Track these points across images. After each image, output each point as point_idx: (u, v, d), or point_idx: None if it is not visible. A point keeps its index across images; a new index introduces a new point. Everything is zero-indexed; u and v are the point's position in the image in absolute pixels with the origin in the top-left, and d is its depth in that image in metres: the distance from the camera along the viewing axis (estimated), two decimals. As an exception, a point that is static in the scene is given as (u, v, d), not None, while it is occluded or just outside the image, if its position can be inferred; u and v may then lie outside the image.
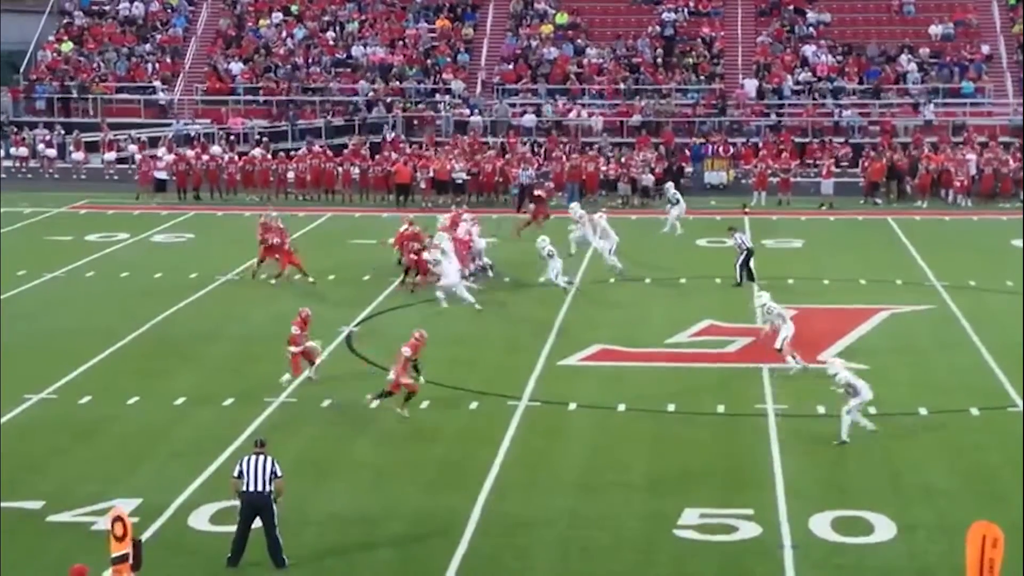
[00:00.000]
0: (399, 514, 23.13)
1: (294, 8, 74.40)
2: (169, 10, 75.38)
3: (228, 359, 32.74)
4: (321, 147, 59.91)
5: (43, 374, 30.69)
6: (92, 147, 64.33)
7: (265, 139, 62.12)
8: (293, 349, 29.84)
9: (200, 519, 22.74)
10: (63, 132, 65.31)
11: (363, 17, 73.65)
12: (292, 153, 59.35)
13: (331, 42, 72.17)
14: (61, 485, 24.29)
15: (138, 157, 60.20)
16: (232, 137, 63.24)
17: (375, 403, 28.11)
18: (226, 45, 72.66)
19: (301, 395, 29.46)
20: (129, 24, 74.77)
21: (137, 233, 48.47)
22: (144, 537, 21.03)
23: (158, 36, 73.72)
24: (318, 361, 30.49)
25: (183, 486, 24.02)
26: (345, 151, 59.21)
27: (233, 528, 21.40)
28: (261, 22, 73.74)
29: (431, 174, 55.82)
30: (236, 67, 70.63)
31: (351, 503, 23.68)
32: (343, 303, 37.55)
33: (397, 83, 68.50)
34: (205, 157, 58.22)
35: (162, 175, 57.67)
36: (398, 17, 73.56)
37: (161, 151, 59.97)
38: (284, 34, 72.80)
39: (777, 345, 31.39)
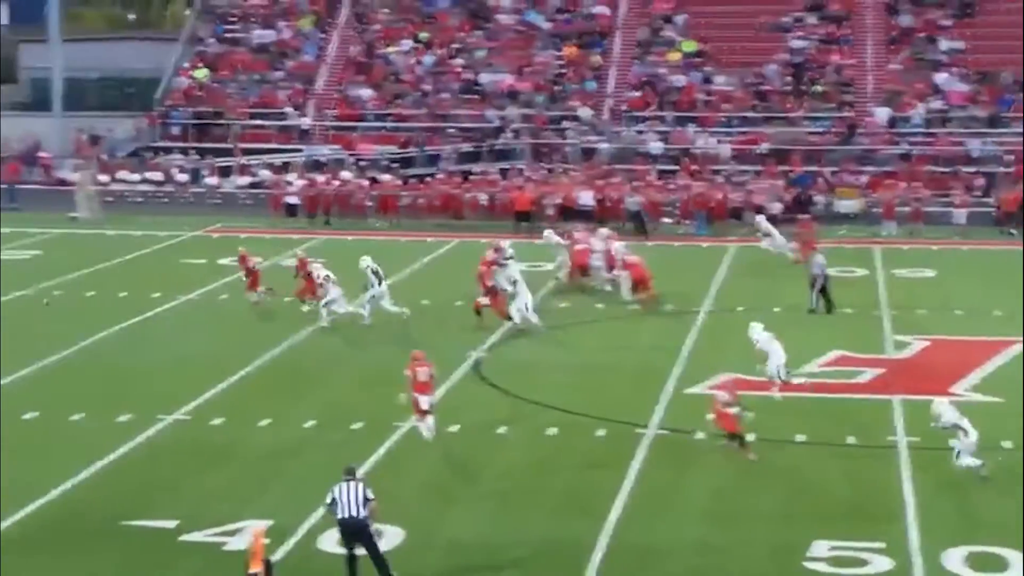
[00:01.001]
0: (525, 541, 23.13)
1: (423, 35, 74.93)
2: (301, 37, 76.25)
3: (357, 383, 32.96)
4: (449, 173, 60.33)
5: (177, 395, 31.10)
6: (225, 172, 65.34)
7: (394, 165, 62.62)
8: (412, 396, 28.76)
9: (329, 542, 22.84)
10: (197, 157, 66.36)
11: (492, 44, 74.01)
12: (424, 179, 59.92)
13: (459, 69, 72.60)
14: (194, 505, 24.59)
15: (271, 182, 60.98)
16: (362, 163, 63.80)
17: (750, 455, 27.14)
18: (356, 72, 73.36)
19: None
20: (262, 51, 75.72)
21: (269, 257, 48.96)
22: (274, 558, 21.26)
23: (290, 63, 74.59)
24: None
25: (313, 508, 24.17)
26: (473, 177, 59.58)
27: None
28: (391, 49, 74.34)
29: (558, 201, 55.97)
30: (366, 93, 71.29)
31: (477, 529, 23.73)
32: (471, 328, 37.68)
33: (525, 110, 68.71)
34: (335, 182, 58.82)
35: (293, 200, 58.33)
36: (526, 44, 73.85)
37: (292, 176, 60.66)
38: (413, 61, 73.34)
39: (769, 372, 31.44)
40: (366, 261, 38.94)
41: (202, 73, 73.96)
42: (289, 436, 28.60)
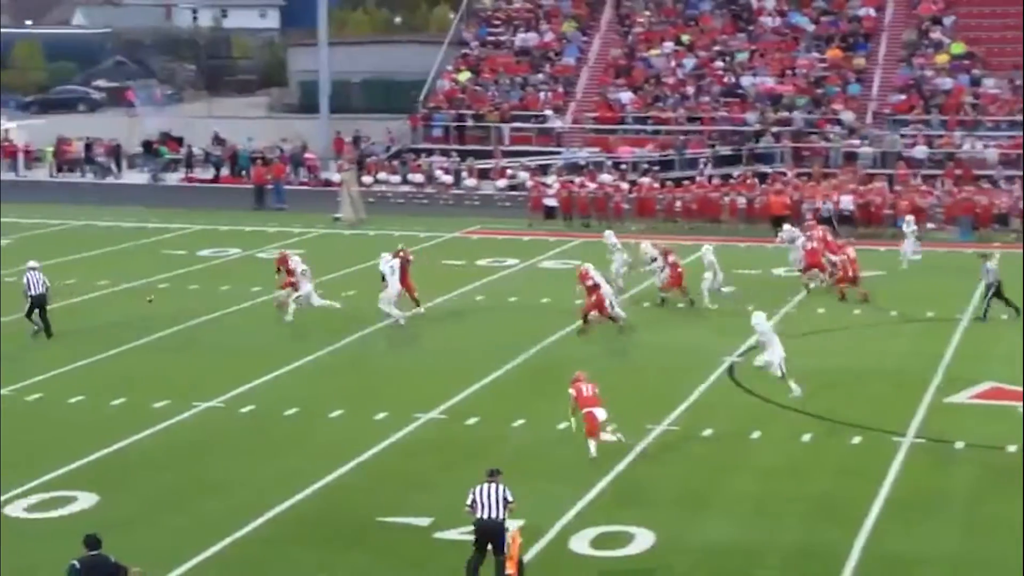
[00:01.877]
0: (778, 547, 22.95)
1: (685, 38, 74.76)
2: (563, 40, 76.71)
3: (611, 384, 32.81)
4: (708, 177, 60.12)
5: (433, 394, 31.53)
6: (485, 174, 66.09)
7: (654, 168, 62.63)
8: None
9: (581, 542, 23.00)
10: (458, 159, 67.27)
11: (753, 47, 73.49)
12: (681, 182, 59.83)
13: (720, 72, 72.23)
14: (448, 503, 24.79)
15: (529, 184, 61.64)
16: (623, 166, 63.93)
17: None
18: (616, 75, 73.52)
19: (683, 423, 29.55)
20: (523, 54, 76.39)
21: (526, 259, 49.40)
22: (526, 558, 21.41)
23: (550, 66, 75.09)
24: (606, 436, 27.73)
25: (565, 509, 24.33)
26: (731, 181, 59.29)
27: (613, 552, 21.70)
28: (652, 52, 74.34)
29: (818, 205, 55.34)
30: (626, 96, 71.39)
31: (729, 533, 23.60)
32: (727, 332, 37.47)
33: (786, 113, 68.08)
34: (592, 185, 59.07)
35: (551, 202, 58.76)
36: (789, 47, 73.14)
37: (551, 179, 61.11)
38: (674, 64, 73.24)
39: (757, 362, 31.84)
40: (386, 259, 39.24)
41: (465, 76, 74.92)
42: (542, 437, 28.77)
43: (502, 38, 78.06)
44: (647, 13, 77.04)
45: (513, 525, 22.47)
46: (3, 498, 25.01)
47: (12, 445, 28.34)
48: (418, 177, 66.43)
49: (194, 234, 55.54)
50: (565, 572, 22.06)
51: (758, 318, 32.19)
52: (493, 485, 21.14)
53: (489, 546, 20.93)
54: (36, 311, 37.54)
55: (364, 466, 27.09)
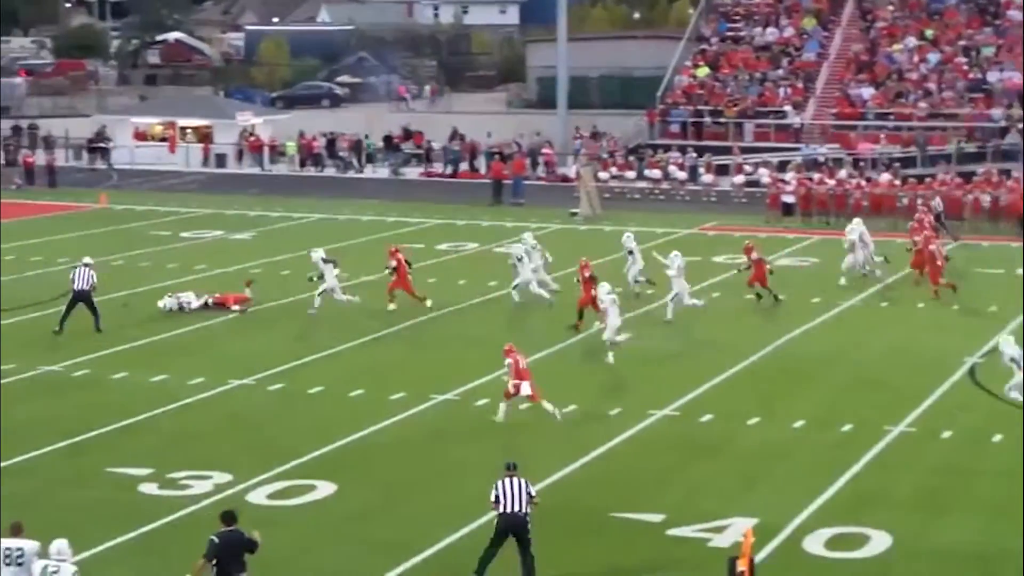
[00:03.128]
0: (1019, 555, 22.40)
1: (928, 32, 73.43)
2: (803, 36, 75.93)
3: (849, 384, 32.61)
4: (951, 174, 59.00)
5: (668, 390, 31.45)
6: (722, 170, 65.74)
7: (896, 165, 61.64)
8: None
9: (815, 543, 22.75)
10: (695, 155, 67.02)
11: (1000, 41, 71.84)
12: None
13: (965, 67, 70.77)
14: (681, 500, 24.85)
15: (766, 180, 61.16)
16: (862, 163, 63.05)
17: None
18: (858, 70, 72.54)
19: (920, 425, 29.06)
20: (763, 50, 75.83)
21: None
22: (758, 557, 21.24)
23: (790, 61, 74.37)
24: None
25: (799, 509, 24.10)
26: (975, 178, 58.06)
27: (848, 554, 21.47)
28: (894, 47, 73.18)
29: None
30: (867, 92, 70.40)
31: (968, 539, 23.15)
32: (969, 333, 36.74)
33: (1034, 109, 66.53)
34: (831, 182, 58.32)
35: (789, 199, 58.19)
36: (1038, 41, 71.42)
37: (789, 175, 60.54)
38: (917, 59, 71.99)
39: (605, 336, 33.92)
40: (318, 253, 39.83)
41: (703, 71, 74.64)
42: (777, 435, 28.54)
43: (741, 33, 77.60)
44: (890, 8, 75.89)
45: (747, 523, 22.37)
46: (246, 485, 25.64)
47: (254, 433, 29.09)
48: (655, 173, 66.37)
49: (432, 228, 56.21)
50: (798, 573, 21.85)
51: (603, 289, 34.13)
52: (515, 479, 20.99)
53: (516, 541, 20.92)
54: (74, 307, 37.20)
55: (598, 461, 27.15)
